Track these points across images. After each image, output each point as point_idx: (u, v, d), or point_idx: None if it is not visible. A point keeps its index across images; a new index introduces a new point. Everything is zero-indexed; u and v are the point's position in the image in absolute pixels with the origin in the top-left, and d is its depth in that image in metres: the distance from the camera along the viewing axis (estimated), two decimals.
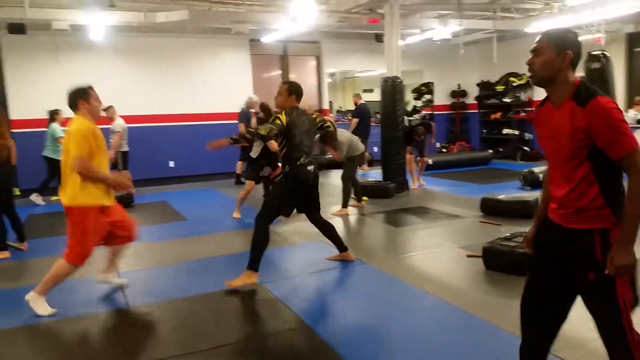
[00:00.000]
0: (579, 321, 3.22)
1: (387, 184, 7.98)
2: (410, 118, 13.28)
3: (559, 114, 2.00)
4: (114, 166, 8.45)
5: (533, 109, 2.15)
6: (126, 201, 7.79)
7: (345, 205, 6.83)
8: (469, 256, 4.70)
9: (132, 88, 10.34)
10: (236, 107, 9.46)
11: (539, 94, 11.52)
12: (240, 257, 4.86)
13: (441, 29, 10.39)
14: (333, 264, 4.67)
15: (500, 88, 12.95)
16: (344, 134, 6.77)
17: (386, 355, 2.99)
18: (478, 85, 13.74)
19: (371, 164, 11.55)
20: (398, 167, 8.29)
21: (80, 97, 3.84)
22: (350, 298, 4.00)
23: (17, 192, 8.81)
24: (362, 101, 11.52)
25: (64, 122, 8.37)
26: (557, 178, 2.08)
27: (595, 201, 1.97)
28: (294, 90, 4.27)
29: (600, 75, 6.27)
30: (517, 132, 12.52)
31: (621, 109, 1.97)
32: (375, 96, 17.18)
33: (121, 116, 8.44)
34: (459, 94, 14.11)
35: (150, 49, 10.64)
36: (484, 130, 13.76)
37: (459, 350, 2.99)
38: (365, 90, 19.35)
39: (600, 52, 6.32)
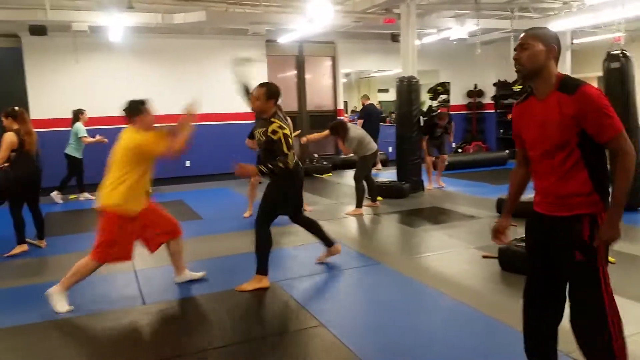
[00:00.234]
0: None
1: (402, 184, 7.96)
2: (434, 104, 13.24)
3: (544, 106, 2.11)
4: None
5: None
6: None
7: (359, 205, 6.83)
8: (484, 257, 4.67)
9: (150, 88, 10.38)
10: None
11: None
12: (250, 257, 4.91)
13: (458, 29, 10.33)
14: (347, 264, 4.68)
15: (517, 88, 12.81)
16: (356, 130, 6.81)
17: (400, 353, 2.99)
18: (495, 85, 13.63)
19: (385, 164, 11.53)
20: (413, 167, 8.27)
21: (139, 112, 4.00)
22: (365, 298, 4.01)
23: None
24: (369, 102, 11.57)
25: (88, 122, 8.57)
26: (543, 169, 2.16)
27: (584, 186, 2.07)
28: (272, 94, 3.98)
29: (619, 75, 6.17)
30: None
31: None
32: (391, 96, 17.21)
33: None
34: (475, 93, 14.02)
35: (168, 49, 10.75)
36: (501, 131, 13.64)
37: (474, 351, 2.98)
38: (380, 90, 19.37)
39: (619, 52, 6.22)
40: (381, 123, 15.82)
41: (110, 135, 8.97)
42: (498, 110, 13.68)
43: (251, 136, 6.20)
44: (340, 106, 12.80)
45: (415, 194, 8.06)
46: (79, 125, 8.34)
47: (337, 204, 7.52)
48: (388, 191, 7.78)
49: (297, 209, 4.45)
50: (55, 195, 8.34)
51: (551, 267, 2.20)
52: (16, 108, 5.37)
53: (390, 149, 12.23)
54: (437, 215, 6.63)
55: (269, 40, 11.34)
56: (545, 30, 2.17)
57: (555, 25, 9.81)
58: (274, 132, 3.87)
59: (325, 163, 11.14)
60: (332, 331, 3.28)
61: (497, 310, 3.50)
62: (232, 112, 10.85)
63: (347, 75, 15.77)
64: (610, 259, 4.30)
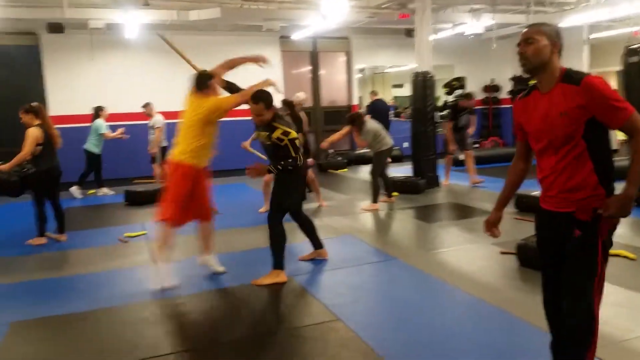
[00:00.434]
0: (617, 321, 3.20)
1: (418, 180, 7.94)
2: (449, 99, 13.13)
3: (549, 98, 2.14)
4: (153, 160, 8.67)
5: None
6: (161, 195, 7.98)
7: (374, 200, 6.83)
8: (502, 253, 4.65)
9: (165, 85, 10.51)
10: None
11: None
12: (266, 251, 4.94)
13: (473, 24, 10.25)
14: (363, 259, 4.70)
15: (533, 82, 12.69)
16: (373, 124, 6.81)
17: (418, 348, 3.00)
18: (511, 79, 13.51)
19: (400, 159, 11.50)
20: (428, 163, 8.24)
21: (200, 88, 4.23)
22: (381, 293, 4.01)
23: None
24: (377, 97, 11.54)
25: (108, 118, 8.70)
26: (548, 162, 2.17)
27: (589, 179, 2.08)
28: (269, 103, 4.01)
29: (638, 69, 6.09)
30: None
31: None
32: (405, 91, 17.12)
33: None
34: (491, 88, 13.91)
35: (183, 46, 10.66)
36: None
37: (492, 347, 2.98)
38: (394, 86, 19.28)
39: (638, 46, 6.14)
40: (396, 118, 15.82)
41: (126, 130, 9.09)
42: None
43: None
44: (355, 102, 12.78)
45: (431, 189, 8.04)
46: (100, 122, 8.48)
47: (353, 200, 7.52)
48: (403, 187, 7.77)
49: (301, 204, 4.50)
50: (74, 190, 8.46)
51: (561, 262, 2.20)
52: (35, 104, 5.45)
53: (405, 145, 12.19)
54: (453, 211, 6.62)
55: (283, 36, 11.35)
56: (548, 25, 2.19)
57: (572, 20, 9.70)
58: (280, 139, 3.99)
59: (340, 158, 11.15)
60: (349, 325, 3.30)
61: (516, 306, 3.48)
62: (246, 108, 10.87)
63: (361, 70, 15.71)
64: (630, 254, 4.28)
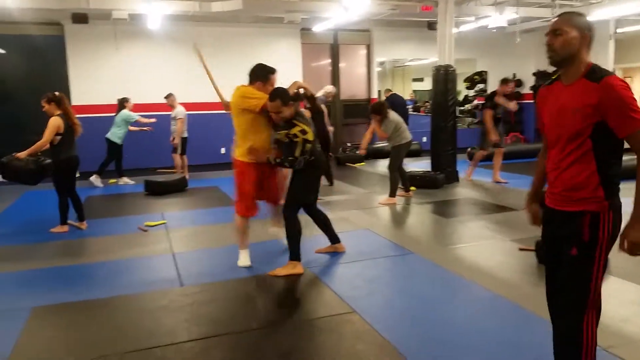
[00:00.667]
0: (636, 319, 3.15)
1: (436, 175, 7.89)
2: (470, 93, 12.90)
3: (569, 91, 2.09)
4: (174, 151, 8.77)
5: None
6: (181, 185, 8.08)
7: (392, 194, 6.81)
8: (521, 249, 4.61)
9: (185, 75, 10.58)
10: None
11: None
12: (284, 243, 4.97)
13: (497, 17, 10.09)
14: (380, 252, 4.70)
15: (558, 73, 12.48)
16: (395, 116, 6.79)
17: (434, 342, 2.99)
18: (534, 74, 13.30)
19: (419, 154, 11.44)
20: (448, 158, 8.18)
21: (261, 78, 4.20)
22: (398, 286, 4.01)
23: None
24: (391, 93, 11.52)
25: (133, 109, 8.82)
26: (555, 157, 2.15)
27: (590, 179, 2.04)
28: (286, 99, 3.99)
29: None
30: None
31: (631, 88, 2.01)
32: (426, 85, 16.97)
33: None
34: (514, 83, 13.71)
35: (205, 37, 10.85)
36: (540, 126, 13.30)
37: (508, 342, 2.96)
38: (415, 80, 19.13)
39: None
40: (415, 112, 15.71)
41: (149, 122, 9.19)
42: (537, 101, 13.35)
43: None
44: (374, 95, 12.71)
45: (450, 184, 7.98)
46: (127, 112, 8.60)
47: (370, 193, 7.51)
48: (422, 181, 7.73)
49: (316, 198, 4.51)
50: (94, 179, 8.59)
51: (558, 262, 2.20)
52: (57, 93, 5.52)
53: (424, 139, 12.12)
54: (472, 206, 6.56)
55: (303, 28, 11.33)
56: (579, 16, 2.12)
57: (598, 14, 9.49)
58: (296, 136, 4.02)
59: (357, 152, 11.11)
60: (365, 318, 3.31)
61: (533, 303, 3.44)
62: None
63: (381, 64, 15.62)
64: None
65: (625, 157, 2.09)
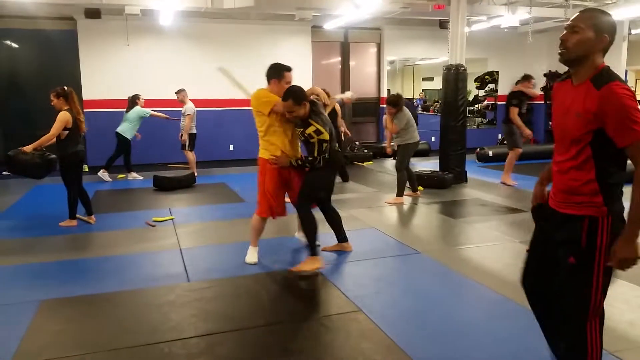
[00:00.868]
0: None
1: (445, 175, 7.86)
2: (481, 93, 12.76)
3: (576, 93, 2.03)
4: (183, 147, 8.81)
5: None
6: (189, 181, 8.11)
7: (400, 194, 6.79)
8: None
9: (196, 72, 10.64)
10: None
11: None
12: (292, 240, 4.98)
13: (509, 17, 10.02)
14: (386, 252, 4.70)
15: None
16: (408, 112, 6.78)
17: (440, 343, 2.99)
18: (545, 75, 13.20)
19: (427, 154, 11.41)
20: (456, 158, 8.15)
21: (275, 76, 4.22)
22: (403, 286, 4.00)
23: (85, 168, 9.33)
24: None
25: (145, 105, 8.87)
26: (558, 157, 2.13)
27: (588, 185, 2.00)
28: (299, 98, 3.98)
29: None
30: None
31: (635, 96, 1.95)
32: (436, 84, 16.91)
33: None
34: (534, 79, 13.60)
35: (216, 34, 10.90)
36: (550, 123, 13.22)
37: (515, 344, 2.95)
38: (424, 79, 19.06)
39: None
40: (424, 112, 15.65)
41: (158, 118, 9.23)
42: (548, 102, 13.26)
43: None
44: (384, 94, 12.68)
45: (458, 184, 7.95)
46: (140, 109, 8.64)
47: (377, 192, 7.50)
48: (430, 181, 7.70)
49: (329, 196, 4.51)
50: (102, 173, 8.64)
51: (549, 259, 2.22)
52: (66, 88, 5.53)
53: (433, 139, 12.08)
54: (480, 207, 6.53)
55: (314, 26, 11.33)
56: (603, 15, 2.02)
57: (612, 15, 9.38)
58: (311, 136, 4.04)
59: (366, 151, 11.11)
60: (371, 317, 3.31)
61: None
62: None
63: (391, 62, 15.58)
64: None
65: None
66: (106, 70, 10.24)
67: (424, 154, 11.28)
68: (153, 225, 5.69)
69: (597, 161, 1.98)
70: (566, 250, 2.07)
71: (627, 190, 2.12)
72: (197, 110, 8.77)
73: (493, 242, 5.01)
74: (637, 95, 2.00)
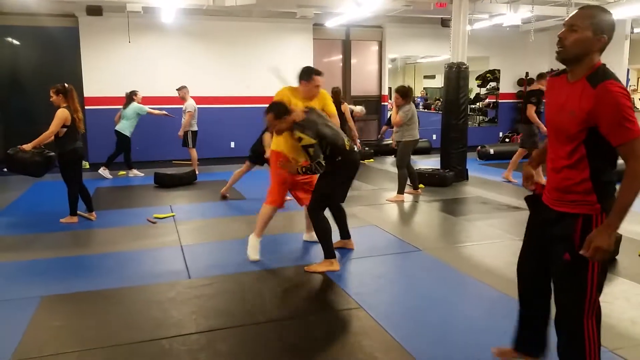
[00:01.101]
0: None
1: (446, 172, 7.85)
2: (482, 91, 12.68)
3: (571, 90, 2.03)
4: (184, 144, 8.81)
5: None
6: (190, 178, 8.11)
7: (400, 191, 6.79)
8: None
9: (198, 69, 10.64)
10: None
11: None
12: (294, 237, 4.98)
13: (511, 15, 10.00)
14: (387, 249, 4.70)
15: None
16: (414, 107, 6.79)
17: (439, 341, 2.99)
18: (547, 73, 13.17)
19: (429, 152, 11.41)
20: (458, 156, 8.14)
21: (304, 77, 4.36)
22: (404, 284, 4.00)
23: (86, 165, 9.34)
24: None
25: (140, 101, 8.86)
26: (553, 154, 2.15)
27: (582, 185, 2.02)
28: (279, 112, 3.98)
29: None
30: None
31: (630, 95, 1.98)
32: (437, 82, 16.88)
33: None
34: (526, 82, 13.61)
35: (217, 31, 10.89)
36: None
37: None
38: (426, 77, 19.03)
39: None
40: (425, 110, 15.63)
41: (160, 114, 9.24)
42: None
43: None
44: (385, 92, 12.68)
45: (459, 182, 7.94)
46: (137, 105, 8.64)
47: (378, 190, 7.50)
48: (431, 179, 7.70)
49: (343, 199, 4.47)
50: (102, 171, 8.64)
51: (543, 257, 2.24)
52: (66, 85, 5.51)
53: (434, 137, 12.07)
54: (481, 205, 6.53)
55: (316, 24, 11.32)
56: (602, 14, 2.00)
57: (615, 13, 9.33)
58: (299, 140, 4.01)
59: (367, 149, 11.10)
60: (371, 314, 3.31)
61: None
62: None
63: (392, 60, 15.56)
64: None
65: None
66: (108, 68, 10.23)
67: (425, 151, 11.27)
68: (154, 222, 5.70)
69: (591, 160, 2.00)
70: (561, 247, 2.09)
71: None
72: (198, 107, 8.76)
73: (494, 239, 5.01)
74: (638, 94, 2.00)
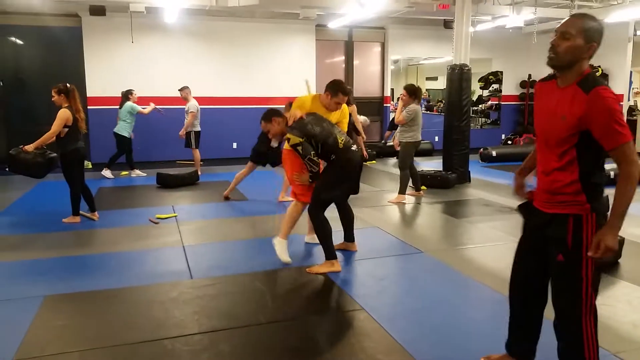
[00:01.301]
0: None
1: (448, 174, 7.85)
2: (485, 93, 12.61)
3: (561, 95, 2.09)
4: (187, 145, 8.81)
5: None
6: (192, 179, 8.12)
7: (402, 192, 6.79)
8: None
9: (201, 69, 10.66)
10: (298, 92, 9.54)
11: (615, 86, 10.91)
12: (295, 238, 4.98)
13: (514, 17, 10.00)
14: (388, 251, 4.70)
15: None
16: (419, 108, 6.78)
17: (441, 343, 2.99)
18: (550, 76, 13.16)
19: (431, 153, 11.41)
20: (460, 158, 8.14)
21: (329, 90, 4.28)
22: (406, 286, 4.00)
23: (89, 165, 9.36)
24: None
25: (141, 101, 8.88)
26: (542, 158, 2.19)
27: (572, 186, 2.07)
28: (267, 116, 4.31)
29: None
30: None
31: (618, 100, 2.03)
32: (439, 84, 16.87)
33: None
34: (529, 84, 13.60)
35: (220, 32, 10.90)
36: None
37: None
38: (428, 78, 19.03)
39: None
40: (428, 111, 15.62)
41: (164, 113, 9.26)
42: None
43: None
44: (388, 93, 12.68)
45: (462, 184, 7.94)
46: (131, 104, 8.64)
47: (380, 192, 7.50)
48: (433, 181, 7.70)
49: (354, 193, 4.47)
50: (104, 171, 8.66)
51: (539, 256, 2.27)
52: (68, 85, 5.50)
53: (436, 138, 12.07)
54: (483, 207, 6.52)
55: (319, 25, 11.33)
56: (592, 21, 2.08)
57: (618, 15, 9.37)
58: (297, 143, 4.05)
59: (369, 150, 11.10)
60: (373, 316, 3.31)
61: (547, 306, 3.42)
62: (281, 96, 10.92)
63: (395, 62, 15.56)
64: None
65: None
66: (110, 68, 10.25)
67: (427, 153, 11.27)
68: (156, 223, 5.71)
69: (581, 163, 2.05)
70: (554, 249, 2.14)
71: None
72: (200, 108, 8.77)
73: (496, 242, 5.00)
74: None
